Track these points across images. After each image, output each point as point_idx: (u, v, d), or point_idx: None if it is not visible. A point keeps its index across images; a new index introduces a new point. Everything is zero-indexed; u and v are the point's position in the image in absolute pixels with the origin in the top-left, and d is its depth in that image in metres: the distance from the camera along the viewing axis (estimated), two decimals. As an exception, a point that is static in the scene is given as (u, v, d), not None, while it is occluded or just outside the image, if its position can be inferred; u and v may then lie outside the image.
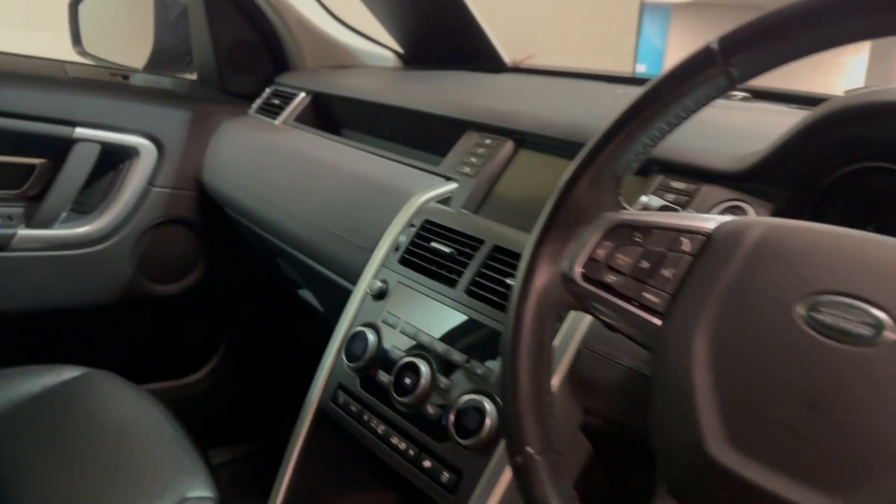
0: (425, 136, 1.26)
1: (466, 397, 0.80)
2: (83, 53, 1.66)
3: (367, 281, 1.00)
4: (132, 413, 1.21)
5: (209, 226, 1.58)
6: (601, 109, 1.03)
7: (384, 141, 1.36)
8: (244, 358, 1.73)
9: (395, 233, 1.02)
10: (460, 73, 1.47)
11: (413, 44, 1.66)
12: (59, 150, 1.42)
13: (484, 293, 0.86)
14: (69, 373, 1.31)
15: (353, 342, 0.94)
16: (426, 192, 1.05)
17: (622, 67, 5.08)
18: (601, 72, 1.48)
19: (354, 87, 1.39)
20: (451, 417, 0.80)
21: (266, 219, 1.29)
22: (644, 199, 0.63)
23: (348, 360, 0.93)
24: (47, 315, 1.46)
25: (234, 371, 1.71)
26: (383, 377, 0.90)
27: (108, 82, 1.53)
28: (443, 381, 0.84)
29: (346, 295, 1.10)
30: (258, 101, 1.60)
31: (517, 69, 1.61)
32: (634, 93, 0.54)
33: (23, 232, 1.39)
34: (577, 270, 0.56)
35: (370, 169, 1.16)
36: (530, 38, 4.68)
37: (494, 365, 0.81)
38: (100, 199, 1.49)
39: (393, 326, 0.92)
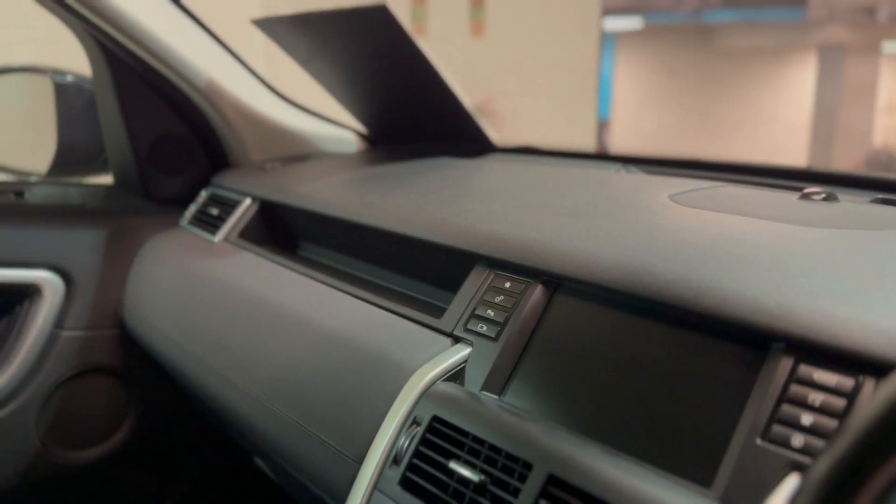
0: (415, 263, 0.96)
1: None
2: (-31, 159, 1.33)
3: (354, 513, 0.69)
4: None
5: (137, 371, 1.25)
6: (660, 235, 0.74)
7: (357, 261, 1.05)
8: None
9: (390, 434, 0.71)
10: (444, 161, 1.17)
11: (380, 124, 1.37)
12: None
13: (543, 560, 0.56)
14: None
15: None
16: (430, 365, 0.74)
17: (583, 101, 4.87)
18: (605, 153, 1.23)
19: (316, 196, 1.07)
20: None
21: (206, 389, 0.97)
22: None
23: None
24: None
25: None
26: None
27: (-5, 203, 1.20)
28: None
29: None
30: (192, 209, 1.28)
31: (505, 150, 1.33)
32: None
33: None
34: None
35: (347, 323, 0.85)
36: (487, 79, 4.45)
37: None
38: (-10, 354, 1.15)
39: None
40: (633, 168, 1.12)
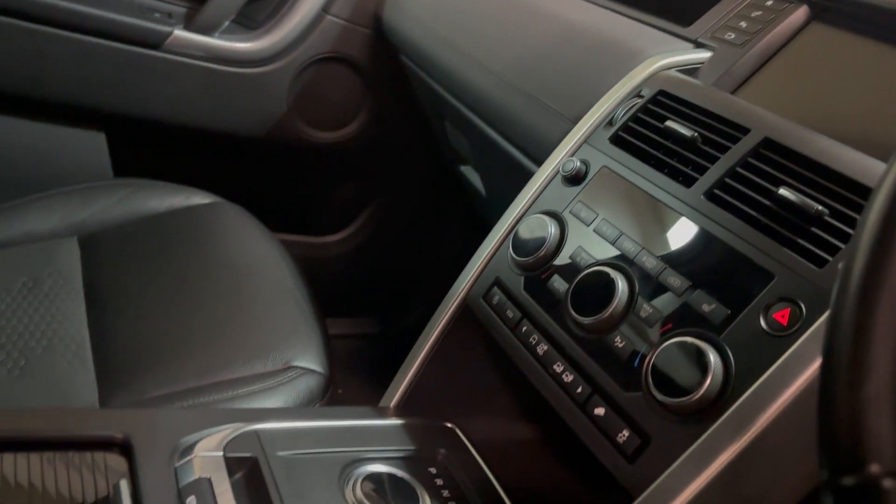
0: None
1: (678, 339, 0.55)
2: None
3: (559, 157, 0.75)
4: (258, 255, 1.06)
5: (378, 72, 1.38)
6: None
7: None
8: (386, 229, 1.55)
9: (612, 101, 0.75)
10: None
11: None
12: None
13: (735, 202, 0.59)
14: (199, 198, 1.17)
15: (525, 230, 0.71)
16: (666, 55, 0.77)
17: None
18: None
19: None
20: (649, 361, 0.55)
21: (448, 69, 1.06)
22: None
23: (514, 253, 0.70)
24: (188, 131, 1.33)
25: (372, 241, 1.54)
26: (559, 284, 0.66)
27: None
28: (645, 307, 0.59)
29: (524, 180, 0.86)
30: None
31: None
32: None
33: (179, 33, 1.24)
34: None
35: (592, 20, 0.89)
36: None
37: (732, 303, 0.54)
38: (268, 15, 1.32)
39: (585, 222, 0.68)
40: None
